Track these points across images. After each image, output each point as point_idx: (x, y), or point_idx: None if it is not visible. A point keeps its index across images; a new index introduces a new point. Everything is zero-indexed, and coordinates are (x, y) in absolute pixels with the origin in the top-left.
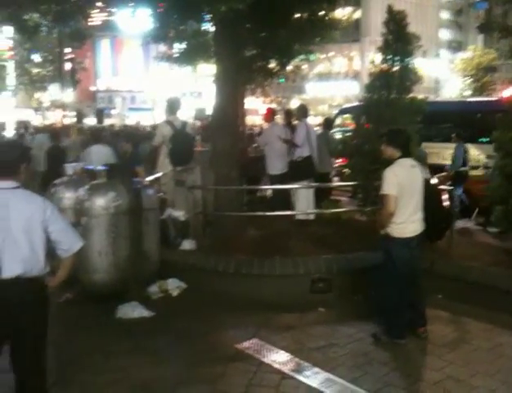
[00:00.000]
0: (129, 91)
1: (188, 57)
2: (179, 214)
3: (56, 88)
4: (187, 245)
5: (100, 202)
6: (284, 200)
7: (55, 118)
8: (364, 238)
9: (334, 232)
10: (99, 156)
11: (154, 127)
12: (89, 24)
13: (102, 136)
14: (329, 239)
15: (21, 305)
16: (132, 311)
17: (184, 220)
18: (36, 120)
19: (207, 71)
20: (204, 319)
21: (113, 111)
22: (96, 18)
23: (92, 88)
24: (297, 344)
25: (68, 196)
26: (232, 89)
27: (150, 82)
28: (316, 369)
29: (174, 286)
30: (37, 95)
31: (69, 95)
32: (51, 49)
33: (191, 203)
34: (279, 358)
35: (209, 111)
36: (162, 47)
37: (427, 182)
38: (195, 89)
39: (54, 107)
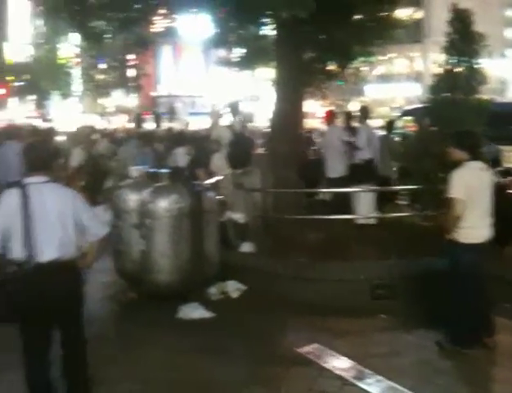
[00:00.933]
0: (189, 96)
1: (248, 62)
2: (238, 216)
3: (120, 93)
4: (246, 247)
5: (162, 204)
6: (343, 203)
7: (119, 123)
8: (427, 243)
9: (396, 237)
10: (182, 158)
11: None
12: (152, 30)
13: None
14: (390, 244)
15: (59, 286)
16: (193, 312)
17: (243, 223)
18: (101, 125)
19: (265, 75)
20: (264, 322)
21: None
22: (159, 25)
23: (154, 94)
24: (358, 350)
25: (132, 199)
26: (292, 92)
27: (210, 87)
28: (379, 377)
29: (234, 288)
30: (101, 100)
31: (132, 100)
32: (115, 56)
33: (250, 206)
34: (340, 364)
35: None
36: (222, 52)
37: (497, 185)
38: (253, 93)
39: (118, 112)
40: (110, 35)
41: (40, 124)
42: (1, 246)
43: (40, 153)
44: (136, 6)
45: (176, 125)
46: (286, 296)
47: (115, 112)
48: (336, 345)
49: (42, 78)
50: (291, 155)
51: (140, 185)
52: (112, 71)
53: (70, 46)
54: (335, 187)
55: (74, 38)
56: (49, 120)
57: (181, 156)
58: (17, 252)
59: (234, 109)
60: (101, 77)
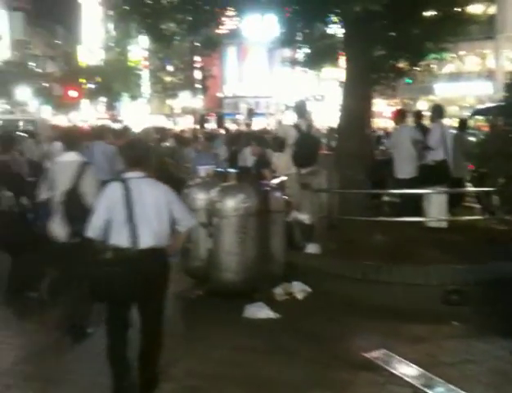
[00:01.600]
0: (254, 96)
1: (314, 61)
2: (304, 217)
3: (186, 95)
4: (312, 248)
5: (230, 204)
6: (413, 205)
7: (184, 124)
8: (503, 248)
9: (469, 241)
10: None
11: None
12: (218, 32)
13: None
14: (463, 248)
15: (153, 270)
16: (259, 311)
17: (309, 223)
18: (168, 126)
19: (330, 75)
20: (330, 324)
21: (238, 116)
22: (225, 26)
23: (219, 95)
24: (429, 357)
25: (200, 198)
26: (361, 91)
27: (275, 87)
28: (451, 386)
29: (299, 289)
30: (168, 102)
31: (198, 101)
32: (182, 58)
33: (316, 206)
34: (409, 371)
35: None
36: (287, 52)
37: None
38: (318, 93)
39: (184, 113)
40: (179, 37)
41: (111, 124)
42: (102, 233)
43: (138, 151)
44: (205, 7)
45: (241, 126)
46: (353, 299)
47: (181, 113)
48: (405, 351)
49: (113, 80)
50: (359, 155)
51: (208, 184)
52: (179, 73)
53: (140, 49)
54: (404, 189)
55: (144, 41)
56: (119, 121)
57: (248, 156)
58: (118, 239)
59: (300, 108)
60: (169, 79)
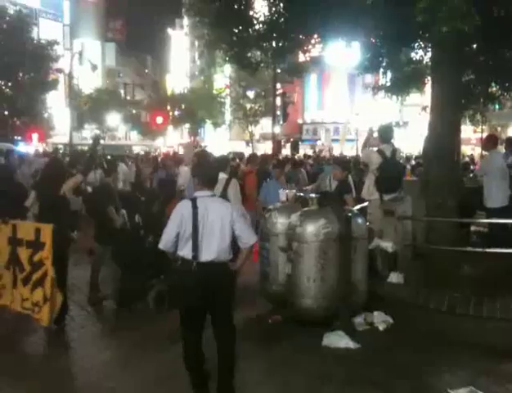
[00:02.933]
0: (333, 122)
1: (400, 86)
2: (387, 244)
3: (267, 121)
4: (395, 278)
5: (311, 229)
6: (504, 236)
7: (264, 149)
8: None
9: None
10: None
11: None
12: (302, 59)
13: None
14: None
15: (215, 282)
16: (339, 341)
17: (392, 251)
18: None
19: (413, 100)
20: (414, 358)
21: (318, 142)
22: (309, 53)
23: (299, 121)
24: None
25: (281, 222)
26: (450, 116)
27: (354, 113)
28: None
29: (380, 319)
30: (250, 128)
31: (277, 128)
32: (264, 85)
33: (401, 234)
34: None
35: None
36: (369, 78)
37: None
38: (399, 119)
39: (263, 139)
40: (264, 64)
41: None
42: (174, 245)
43: (207, 171)
44: (291, 35)
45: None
46: (439, 333)
47: (260, 139)
48: (497, 390)
49: (197, 107)
50: (447, 182)
51: (289, 208)
52: (260, 100)
53: (223, 77)
54: (494, 218)
55: (227, 69)
56: (202, 147)
57: (332, 180)
58: (185, 252)
59: (385, 133)
60: (249, 106)
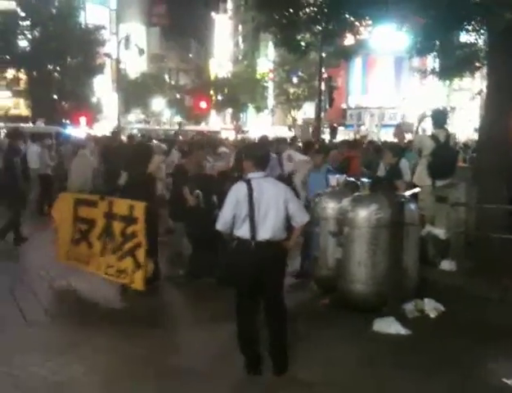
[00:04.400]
0: (378, 107)
1: (452, 71)
2: (439, 231)
3: (310, 106)
4: (447, 265)
5: (362, 214)
6: None
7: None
8: None
9: None
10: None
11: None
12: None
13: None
14: None
15: (270, 260)
16: (389, 327)
17: (444, 239)
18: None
19: (462, 85)
20: (465, 347)
21: (362, 128)
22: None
23: (343, 106)
24: None
25: (331, 207)
26: (505, 102)
27: (400, 98)
28: None
29: (431, 306)
30: (292, 113)
31: (321, 113)
32: (308, 69)
33: (453, 221)
34: None
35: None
36: (415, 62)
37: None
38: (446, 104)
39: (306, 124)
40: (313, 48)
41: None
42: (231, 226)
43: (259, 153)
44: (342, 17)
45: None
46: (491, 321)
47: (303, 125)
48: None
49: (240, 92)
50: (500, 169)
51: (339, 193)
52: (304, 84)
53: (267, 61)
54: None
55: (271, 54)
56: (244, 132)
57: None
58: (242, 231)
59: (438, 117)
60: (293, 90)
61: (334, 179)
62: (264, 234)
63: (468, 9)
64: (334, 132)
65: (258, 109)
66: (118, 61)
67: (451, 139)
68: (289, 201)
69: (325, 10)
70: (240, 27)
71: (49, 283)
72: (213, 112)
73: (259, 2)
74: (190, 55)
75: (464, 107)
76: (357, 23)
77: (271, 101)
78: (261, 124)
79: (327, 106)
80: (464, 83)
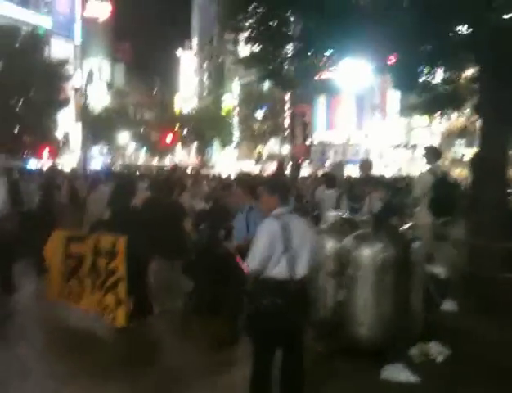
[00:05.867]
0: (341, 144)
1: (433, 106)
2: (439, 270)
3: (275, 141)
4: (448, 305)
5: (366, 253)
6: None
7: (271, 169)
8: None
9: None
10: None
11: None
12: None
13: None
14: None
15: (306, 301)
16: (399, 374)
17: (444, 278)
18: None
19: (420, 123)
20: (478, 391)
21: (327, 163)
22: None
23: (307, 142)
24: None
25: (329, 245)
26: (497, 135)
27: (363, 134)
28: None
29: (437, 350)
30: (258, 148)
31: (285, 148)
32: (272, 106)
33: (453, 259)
34: None
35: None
36: (376, 99)
37: None
38: (406, 142)
39: (271, 159)
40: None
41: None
42: (262, 265)
43: (285, 187)
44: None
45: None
46: (502, 365)
47: (268, 160)
48: None
49: (205, 127)
50: (501, 203)
51: (337, 231)
52: (268, 120)
53: (231, 98)
54: None
55: (235, 90)
56: (210, 167)
57: (375, 201)
58: (277, 270)
59: (432, 153)
60: (257, 126)
61: (332, 217)
62: (301, 271)
63: (452, 43)
64: (297, 167)
65: (224, 144)
66: (82, 95)
67: (448, 175)
68: (313, 238)
69: (311, 44)
70: (205, 64)
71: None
72: (178, 147)
73: (249, 35)
74: (155, 91)
75: (425, 145)
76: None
77: (236, 136)
78: (226, 159)
79: (298, 142)
80: (423, 121)
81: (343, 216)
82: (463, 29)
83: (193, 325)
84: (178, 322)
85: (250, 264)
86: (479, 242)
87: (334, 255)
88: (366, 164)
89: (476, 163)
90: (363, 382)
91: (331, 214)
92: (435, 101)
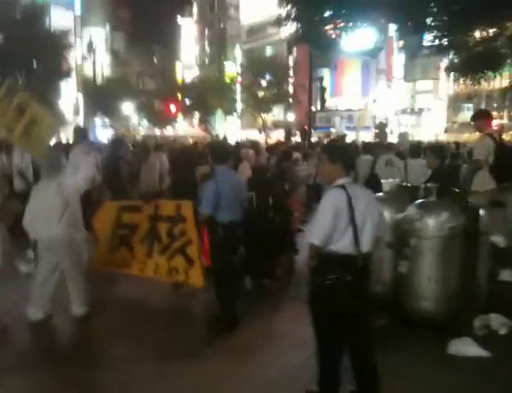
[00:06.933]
0: (347, 110)
1: (471, 67)
2: (498, 239)
3: (279, 109)
4: (507, 275)
5: (432, 223)
6: None
7: (277, 137)
8: None
9: None
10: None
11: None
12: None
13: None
14: None
15: (370, 277)
16: (467, 349)
17: (503, 247)
18: (260, 140)
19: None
20: None
21: (332, 130)
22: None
23: (313, 109)
24: None
25: (387, 214)
26: None
27: (369, 100)
28: None
29: (499, 322)
30: (262, 116)
31: (290, 116)
32: (277, 73)
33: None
34: None
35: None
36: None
37: None
38: (412, 106)
39: (275, 127)
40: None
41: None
42: (326, 241)
43: (349, 156)
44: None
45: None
46: None
47: (273, 128)
48: None
49: (208, 95)
50: None
51: (393, 199)
52: (272, 87)
53: (234, 65)
54: None
55: (238, 57)
56: (215, 137)
57: (420, 168)
58: (341, 245)
59: (483, 118)
60: (261, 93)
61: (388, 184)
62: (366, 246)
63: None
64: (305, 134)
65: (227, 112)
66: (83, 66)
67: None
68: (378, 210)
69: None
70: (206, 31)
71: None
72: (179, 117)
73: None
74: (155, 59)
75: (431, 109)
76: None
77: (239, 105)
78: (230, 128)
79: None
80: (428, 85)
81: (401, 184)
82: None
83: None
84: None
85: (313, 239)
86: None
87: (393, 224)
88: (382, 131)
89: None
90: (431, 358)
91: (387, 182)
92: (472, 62)
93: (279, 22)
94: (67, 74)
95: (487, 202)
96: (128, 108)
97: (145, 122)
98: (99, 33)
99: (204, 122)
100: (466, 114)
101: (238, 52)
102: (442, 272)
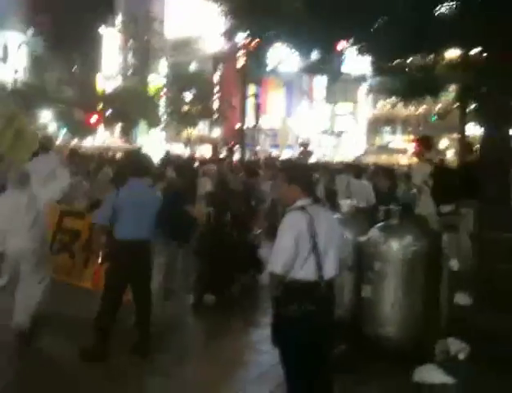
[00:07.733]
0: (271, 129)
1: (408, 92)
2: (452, 262)
3: (204, 124)
4: (461, 299)
5: (397, 246)
6: None
7: (202, 152)
8: None
9: None
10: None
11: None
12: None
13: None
14: None
15: (333, 303)
16: (433, 376)
17: (456, 270)
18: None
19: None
20: None
21: (257, 148)
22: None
23: (237, 126)
24: None
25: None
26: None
27: (292, 120)
28: None
29: (458, 347)
30: (188, 130)
31: (216, 131)
32: (201, 88)
33: (465, 251)
34: None
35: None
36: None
37: None
38: (332, 128)
39: (200, 142)
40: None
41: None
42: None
43: (307, 176)
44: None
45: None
46: None
47: (197, 142)
48: None
49: (130, 107)
50: (505, 197)
51: (352, 222)
52: (197, 102)
53: (158, 77)
54: None
55: (163, 69)
56: (137, 148)
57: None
58: (304, 272)
59: (428, 141)
60: (186, 108)
61: (346, 206)
62: (329, 272)
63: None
64: (231, 151)
65: (151, 125)
66: None
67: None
68: (339, 234)
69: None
70: (130, 41)
71: None
72: (101, 128)
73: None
74: (74, 68)
75: (349, 131)
76: None
77: (164, 118)
78: (153, 141)
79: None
80: (348, 107)
81: (357, 205)
82: None
83: None
84: None
85: (273, 267)
86: (490, 234)
87: (355, 247)
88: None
89: (482, 153)
90: (395, 386)
91: (346, 203)
92: (410, 87)
93: (228, 34)
94: None
95: (441, 226)
96: (45, 117)
97: (63, 131)
98: (17, 38)
99: (126, 134)
100: (385, 137)
101: (163, 65)
102: (407, 296)
